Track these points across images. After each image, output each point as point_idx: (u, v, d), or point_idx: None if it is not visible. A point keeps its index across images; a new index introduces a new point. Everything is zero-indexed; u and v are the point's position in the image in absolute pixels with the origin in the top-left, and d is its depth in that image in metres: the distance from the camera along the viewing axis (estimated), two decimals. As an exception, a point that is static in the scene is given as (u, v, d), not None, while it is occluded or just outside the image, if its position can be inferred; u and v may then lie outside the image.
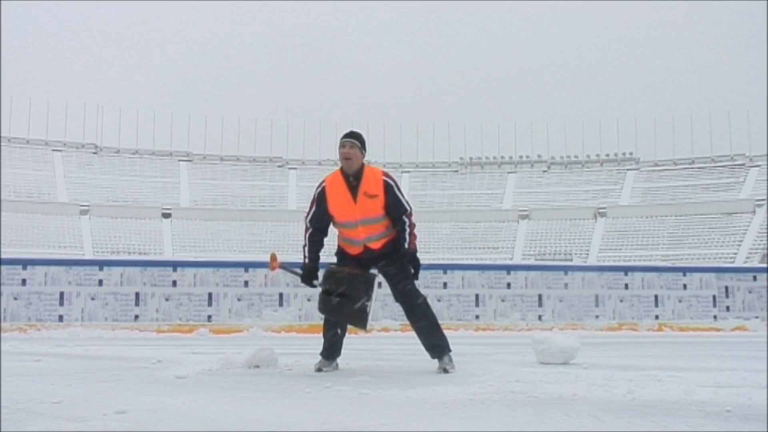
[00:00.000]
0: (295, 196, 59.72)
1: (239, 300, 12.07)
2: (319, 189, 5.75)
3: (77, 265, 12.07)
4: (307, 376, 5.26)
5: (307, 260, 5.79)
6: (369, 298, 5.60)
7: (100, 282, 11.80)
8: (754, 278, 13.52)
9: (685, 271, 13.70)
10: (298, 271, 5.86)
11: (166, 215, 54.18)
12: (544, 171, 63.28)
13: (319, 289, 5.75)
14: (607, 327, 12.73)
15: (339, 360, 5.84)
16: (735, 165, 58.54)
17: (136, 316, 11.79)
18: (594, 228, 53.66)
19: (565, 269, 13.41)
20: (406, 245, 5.64)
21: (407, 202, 5.75)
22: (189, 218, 53.99)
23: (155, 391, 4.50)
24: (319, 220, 5.76)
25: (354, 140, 5.67)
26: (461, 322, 12.18)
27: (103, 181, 57.87)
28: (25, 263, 11.87)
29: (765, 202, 50.90)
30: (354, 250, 5.77)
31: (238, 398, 4.16)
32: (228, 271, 12.23)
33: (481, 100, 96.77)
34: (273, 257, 6.10)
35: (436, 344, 5.69)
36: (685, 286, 13.29)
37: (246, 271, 12.26)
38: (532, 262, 42.07)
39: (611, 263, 36.24)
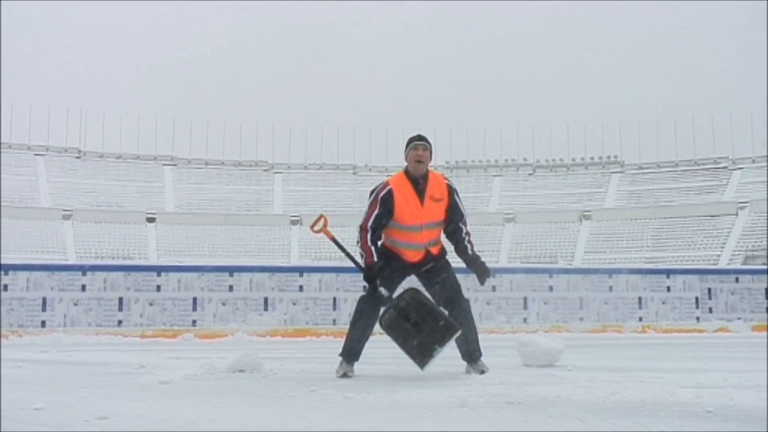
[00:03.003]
0: (280, 200, 59.67)
1: (224, 305, 12.03)
2: (385, 191, 5.58)
3: (60, 271, 12.00)
4: (292, 380, 5.24)
5: (375, 258, 5.51)
6: (442, 346, 5.30)
7: (83, 287, 11.74)
8: (737, 280, 13.59)
9: (668, 273, 13.76)
10: (359, 261, 5.60)
11: (151, 220, 53.97)
12: (530, 174, 63.49)
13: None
14: (592, 329, 12.77)
15: (323, 365, 5.81)
16: (718, 168, 58.93)
17: (120, 322, 11.73)
18: (579, 231, 53.84)
19: (550, 272, 13.44)
20: (469, 252, 5.70)
21: (464, 208, 5.76)
22: (174, 223, 53.78)
23: (138, 396, 4.48)
24: (380, 223, 5.59)
25: (426, 143, 5.65)
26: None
27: (86, 185, 57.58)
28: (7, 268, 11.79)
29: (747, 204, 51.28)
30: (413, 255, 5.65)
31: (222, 403, 4.15)
32: (213, 275, 12.19)
33: (467, 103, 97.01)
34: (324, 220, 5.80)
35: (475, 349, 5.69)
36: (668, 288, 13.34)
37: (231, 275, 12.23)
38: (517, 264, 42.17)
39: (596, 266, 36.38)
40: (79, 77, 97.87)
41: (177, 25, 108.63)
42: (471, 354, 5.67)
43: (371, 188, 5.76)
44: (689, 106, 77.53)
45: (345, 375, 5.50)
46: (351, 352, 5.63)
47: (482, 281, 5.67)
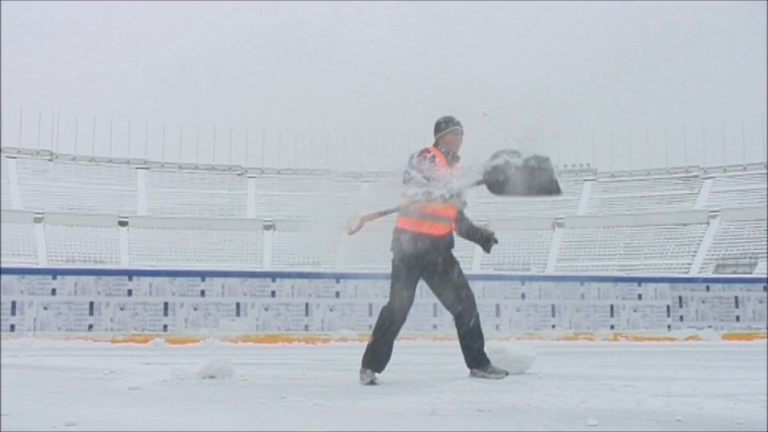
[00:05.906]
0: (254, 204, 59.43)
1: (196, 310, 11.96)
2: (429, 155, 5.72)
3: (30, 274, 11.88)
4: (262, 387, 5.22)
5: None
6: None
7: (54, 291, 11.62)
8: (707, 288, 13.72)
9: (640, 281, 13.86)
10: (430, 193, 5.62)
11: (123, 223, 53.60)
12: (503, 181, 63.60)
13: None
14: (564, 336, 12.83)
15: (294, 371, 5.79)
16: (690, 176, 59.52)
17: (91, 326, 11.63)
18: (552, 238, 54.12)
19: (523, 279, 13.49)
20: (472, 222, 5.96)
21: None
22: (146, 227, 53.44)
23: (107, 402, 4.44)
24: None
25: (462, 128, 5.96)
26: (419, 332, 12.18)
27: (58, 188, 57.07)
28: (-24, 272, 11.65)
29: (719, 213, 51.87)
30: (441, 228, 5.76)
31: (191, 409, 4.12)
32: (185, 280, 12.12)
33: (439, 109, 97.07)
34: (360, 220, 5.69)
35: (484, 355, 5.79)
36: (640, 296, 13.44)
37: (203, 280, 12.16)
38: (490, 271, 42.28)
39: (568, 273, 36.58)
40: (51, 79, 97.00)
41: (151, 28, 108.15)
42: (481, 358, 5.78)
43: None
44: (661, 114, 78.35)
45: (371, 382, 5.44)
46: (374, 364, 5.57)
47: (489, 248, 5.84)
